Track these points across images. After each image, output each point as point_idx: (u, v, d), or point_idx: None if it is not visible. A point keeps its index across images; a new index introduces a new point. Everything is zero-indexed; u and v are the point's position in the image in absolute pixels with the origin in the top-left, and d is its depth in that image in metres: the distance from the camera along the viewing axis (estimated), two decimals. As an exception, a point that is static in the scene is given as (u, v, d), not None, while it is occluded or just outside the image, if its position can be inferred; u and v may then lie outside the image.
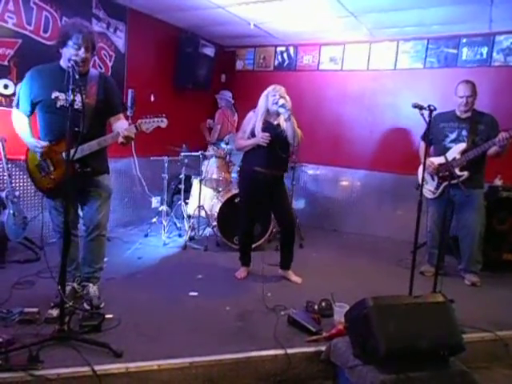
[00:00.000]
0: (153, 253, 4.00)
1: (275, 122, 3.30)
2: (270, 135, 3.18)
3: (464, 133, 3.51)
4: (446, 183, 3.55)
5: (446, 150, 3.57)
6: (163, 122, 2.62)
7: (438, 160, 3.59)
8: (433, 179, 3.65)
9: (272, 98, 3.22)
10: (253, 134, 3.27)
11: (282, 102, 3.17)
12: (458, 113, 3.59)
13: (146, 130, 2.57)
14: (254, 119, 3.29)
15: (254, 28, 4.86)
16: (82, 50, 2.42)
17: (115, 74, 4.45)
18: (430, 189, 3.66)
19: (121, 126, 2.63)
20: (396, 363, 1.96)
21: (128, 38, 4.62)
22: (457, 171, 3.47)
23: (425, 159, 2.84)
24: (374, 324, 1.96)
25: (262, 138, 3.19)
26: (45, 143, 2.52)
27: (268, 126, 3.26)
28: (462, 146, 3.47)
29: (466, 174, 3.45)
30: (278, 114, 3.28)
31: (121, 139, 2.51)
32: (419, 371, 1.97)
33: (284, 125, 3.24)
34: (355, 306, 2.14)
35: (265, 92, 3.29)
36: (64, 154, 2.45)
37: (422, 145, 3.75)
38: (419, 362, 2.00)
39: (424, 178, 3.68)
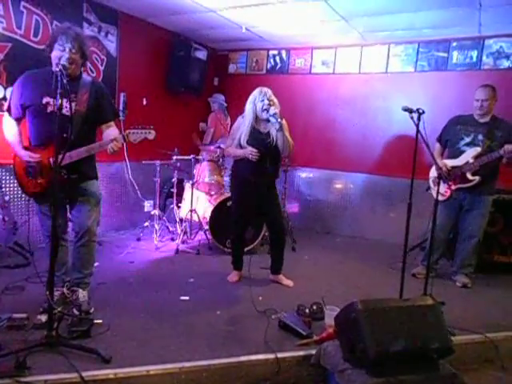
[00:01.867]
0: (145, 257, 3.98)
1: (265, 131, 3.17)
2: (258, 151, 3.08)
3: (480, 137, 3.47)
4: (456, 186, 3.53)
5: (459, 152, 3.54)
6: (151, 134, 2.64)
7: (450, 162, 3.57)
8: (444, 182, 3.63)
9: (261, 103, 3.08)
10: (240, 144, 3.18)
11: (272, 111, 3.02)
12: (476, 116, 3.56)
13: (133, 141, 2.60)
14: (243, 127, 3.17)
15: (246, 32, 4.88)
16: (67, 50, 2.42)
17: (107, 78, 4.44)
18: (439, 191, 3.64)
19: (111, 133, 2.64)
20: (385, 367, 1.96)
21: (120, 41, 4.61)
22: (469, 176, 3.47)
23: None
24: (363, 327, 1.96)
25: (251, 154, 3.08)
26: (37, 156, 2.51)
27: (257, 137, 3.14)
28: (477, 150, 3.44)
29: (477, 178, 3.44)
30: (267, 121, 3.13)
31: (110, 149, 2.53)
32: (409, 375, 1.98)
33: (274, 133, 3.12)
34: (344, 309, 2.14)
35: (251, 97, 3.15)
36: (51, 160, 2.47)
37: (437, 146, 3.76)
38: (408, 365, 2.00)
39: (435, 180, 3.71)
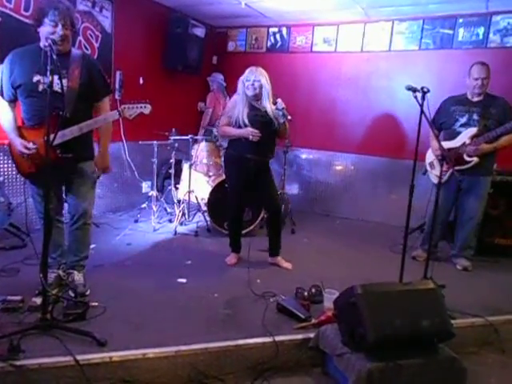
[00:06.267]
0: (142, 239, 3.94)
1: (260, 106, 3.16)
2: (259, 131, 3.08)
3: (475, 117, 3.40)
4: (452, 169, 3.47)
5: (456, 134, 3.47)
6: (147, 109, 2.56)
7: (447, 144, 3.49)
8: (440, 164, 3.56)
9: (247, 82, 3.08)
10: (238, 123, 3.15)
11: (280, 105, 3.03)
12: (469, 96, 3.47)
13: (129, 117, 2.53)
14: (239, 106, 3.15)
15: (246, 7, 4.72)
16: (60, 26, 2.32)
17: (102, 55, 4.31)
18: (436, 174, 3.58)
19: (105, 110, 2.57)
20: (384, 351, 1.93)
21: (115, 17, 4.46)
22: (466, 157, 3.39)
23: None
24: (363, 312, 1.93)
25: (252, 134, 3.08)
26: (34, 147, 2.40)
27: (255, 114, 3.13)
28: (473, 130, 3.37)
29: (475, 159, 3.36)
30: (257, 100, 3.16)
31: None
32: (408, 359, 1.95)
33: (273, 114, 3.12)
34: (344, 293, 2.10)
35: (242, 76, 3.14)
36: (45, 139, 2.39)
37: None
38: (408, 349, 1.98)
39: (432, 162, 3.65)
